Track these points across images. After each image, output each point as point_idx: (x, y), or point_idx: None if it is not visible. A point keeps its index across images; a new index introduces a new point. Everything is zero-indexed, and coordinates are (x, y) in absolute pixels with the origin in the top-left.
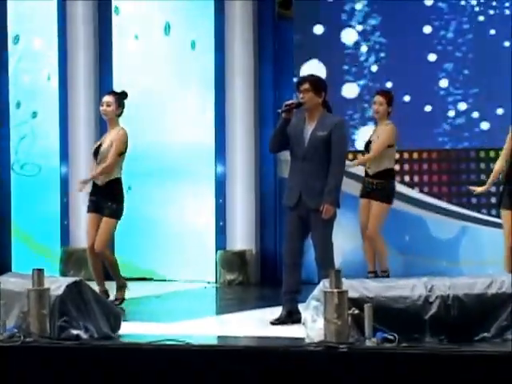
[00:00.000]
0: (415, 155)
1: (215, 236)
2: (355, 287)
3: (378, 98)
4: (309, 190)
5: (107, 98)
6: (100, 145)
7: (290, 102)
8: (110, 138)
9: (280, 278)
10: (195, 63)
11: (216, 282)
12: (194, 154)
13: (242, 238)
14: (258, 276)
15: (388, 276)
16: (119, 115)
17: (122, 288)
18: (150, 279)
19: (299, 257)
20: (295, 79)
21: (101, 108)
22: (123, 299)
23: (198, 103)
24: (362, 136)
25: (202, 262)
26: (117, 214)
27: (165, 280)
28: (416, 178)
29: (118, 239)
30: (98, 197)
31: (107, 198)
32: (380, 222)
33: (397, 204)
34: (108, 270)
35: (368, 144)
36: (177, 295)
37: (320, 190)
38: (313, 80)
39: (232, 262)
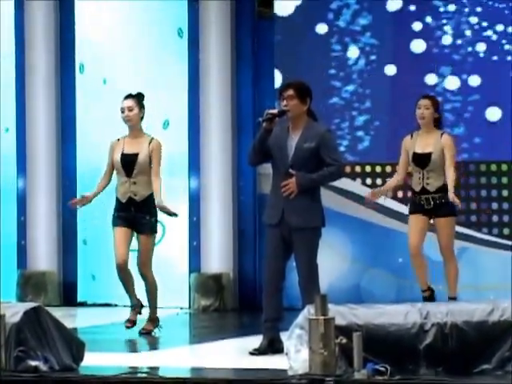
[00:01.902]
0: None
1: (188, 257)
2: (343, 314)
3: (423, 102)
4: (292, 207)
5: (128, 103)
6: (128, 154)
7: (272, 110)
8: (146, 148)
9: (260, 303)
10: (166, 66)
11: (189, 308)
12: (165, 167)
13: (218, 260)
14: (236, 301)
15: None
16: (142, 119)
17: (154, 321)
18: (115, 305)
19: (281, 280)
20: (277, 83)
21: (122, 115)
22: (152, 330)
23: (169, 110)
24: (351, 147)
25: (173, 285)
26: (156, 228)
27: (132, 306)
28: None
29: (80, 261)
30: (133, 212)
31: (146, 212)
32: (453, 238)
33: (389, 222)
34: (147, 294)
35: (422, 157)
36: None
37: (305, 207)
38: (298, 85)
39: (207, 286)
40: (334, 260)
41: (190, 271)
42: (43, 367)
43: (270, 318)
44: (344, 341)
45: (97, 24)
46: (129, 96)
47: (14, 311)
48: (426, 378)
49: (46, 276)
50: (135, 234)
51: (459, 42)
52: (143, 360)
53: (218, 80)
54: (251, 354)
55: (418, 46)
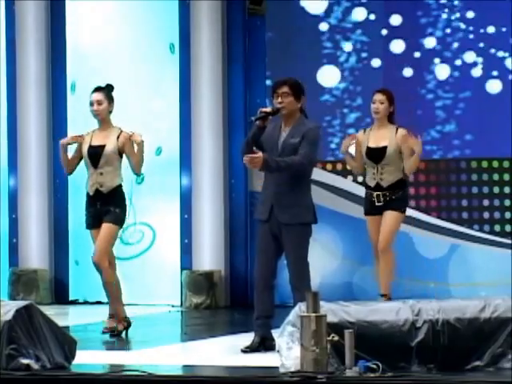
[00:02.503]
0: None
1: (180, 255)
2: (335, 311)
3: (378, 96)
4: (280, 203)
5: (97, 96)
6: (95, 146)
7: (266, 108)
8: (114, 140)
9: (251, 301)
10: (156, 65)
11: (181, 306)
12: (156, 164)
13: (209, 257)
14: (228, 299)
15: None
16: (111, 112)
17: (119, 318)
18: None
19: (272, 277)
20: (268, 82)
21: (91, 108)
22: (119, 330)
23: (160, 108)
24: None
25: (165, 283)
26: (120, 220)
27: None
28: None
29: (70, 259)
30: (98, 208)
31: (110, 204)
32: (395, 234)
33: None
34: (105, 287)
35: (376, 151)
36: (137, 320)
37: (292, 203)
38: (292, 83)
39: (199, 283)
40: (325, 257)
41: (182, 269)
42: (35, 365)
43: (261, 315)
44: (336, 338)
45: (89, 37)
46: (98, 89)
47: (6, 309)
48: (418, 375)
49: (37, 274)
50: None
51: (450, 38)
52: (135, 358)
53: (210, 78)
54: (243, 351)
55: (409, 42)
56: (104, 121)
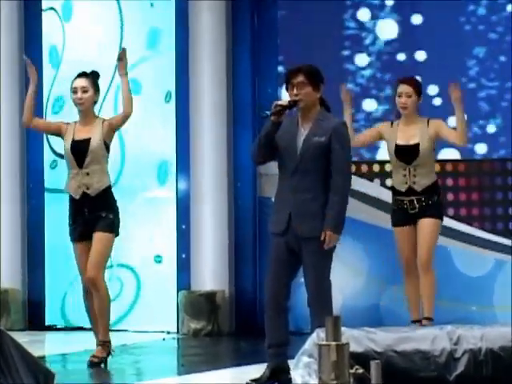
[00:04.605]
0: (436, 167)
1: (176, 272)
2: (358, 339)
3: (404, 88)
4: (301, 213)
5: (82, 82)
6: (79, 141)
7: (282, 101)
8: (99, 132)
9: (261, 326)
10: (151, 49)
11: (177, 333)
12: (149, 167)
13: (211, 276)
14: (233, 324)
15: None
16: (95, 103)
17: (106, 343)
18: (89, 329)
19: (285, 298)
20: (281, 68)
21: (74, 96)
22: (104, 358)
23: (153, 101)
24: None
25: (159, 305)
26: (114, 227)
27: (110, 330)
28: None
29: (48, 277)
30: (86, 215)
31: (101, 208)
32: (435, 245)
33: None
34: (97, 310)
35: (407, 149)
36: (126, 350)
37: (315, 213)
38: (310, 70)
39: (198, 306)
40: (347, 275)
41: (178, 289)
42: None
43: (273, 343)
44: (360, 371)
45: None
46: (82, 74)
47: None
48: None
49: (8, 294)
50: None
51: (495, 17)
52: None
53: (211, 64)
54: None
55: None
56: (87, 112)
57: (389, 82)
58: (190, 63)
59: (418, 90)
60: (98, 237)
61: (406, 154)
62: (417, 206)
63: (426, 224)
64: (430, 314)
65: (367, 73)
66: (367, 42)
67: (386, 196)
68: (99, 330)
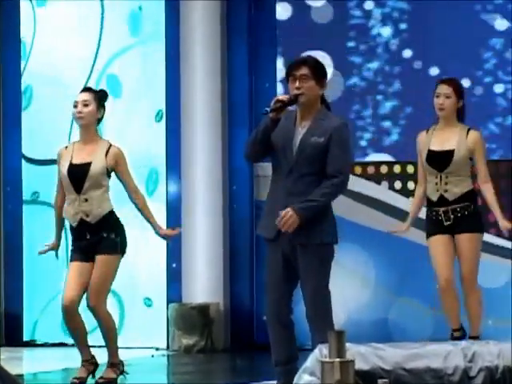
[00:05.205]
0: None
1: (166, 283)
2: (365, 356)
3: (443, 88)
4: None
5: (82, 96)
6: (77, 165)
7: (282, 96)
8: (102, 157)
9: (258, 341)
10: (136, 36)
11: (167, 349)
12: (136, 168)
13: (204, 287)
14: (228, 340)
15: None
16: (99, 121)
17: (116, 365)
18: (71, 345)
19: (289, 310)
20: (280, 61)
21: (74, 110)
22: (114, 379)
23: (140, 95)
24: (375, 141)
25: (147, 320)
26: (117, 247)
27: (93, 346)
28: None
29: (26, 289)
30: (89, 239)
31: (104, 229)
32: (478, 262)
33: (422, 238)
34: (102, 334)
35: (439, 155)
36: None
37: (311, 218)
38: (314, 63)
39: (190, 320)
40: (353, 286)
41: (169, 301)
42: None
43: (280, 360)
44: None
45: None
46: (86, 89)
47: None
48: None
49: None
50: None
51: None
52: None
53: (204, 55)
54: None
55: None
56: (88, 129)
57: (397, 76)
58: (181, 57)
59: (459, 91)
60: (101, 260)
61: (439, 160)
62: (451, 216)
63: (465, 241)
64: (477, 333)
65: (374, 66)
66: (374, 32)
67: (394, 200)
68: (110, 351)
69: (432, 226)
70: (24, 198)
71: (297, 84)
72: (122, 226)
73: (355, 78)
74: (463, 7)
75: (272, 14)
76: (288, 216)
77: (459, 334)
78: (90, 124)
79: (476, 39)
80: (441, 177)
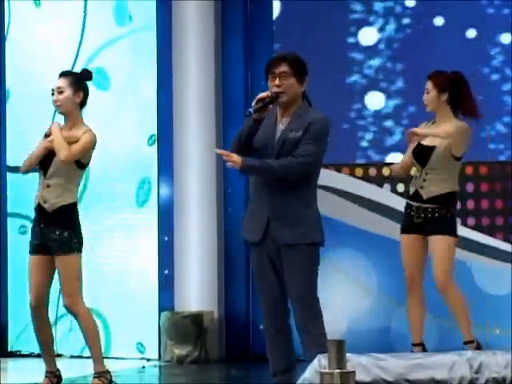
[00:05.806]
0: None
1: (158, 291)
2: (366, 367)
3: (427, 83)
4: (280, 218)
5: (58, 83)
6: (51, 150)
7: (263, 94)
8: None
9: (253, 351)
10: (129, 37)
11: (159, 360)
12: (126, 170)
13: (197, 295)
14: (222, 350)
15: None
16: (81, 105)
17: (102, 374)
18: (58, 355)
19: (285, 316)
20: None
21: (53, 98)
22: None
23: (130, 95)
24: (377, 141)
25: (137, 329)
26: (72, 245)
27: (80, 357)
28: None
29: (11, 297)
30: (42, 228)
31: (54, 225)
32: (451, 263)
33: None
34: (84, 339)
35: (424, 150)
36: None
37: (295, 218)
38: (295, 60)
39: (183, 329)
40: (353, 293)
41: (160, 309)
42: None
43: (278, 370)
44: None
45: None
46: (61, 74)
47: None
48: None
49: None
50: None
51: None
52: None
53: (198, 52)
54: None
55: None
56: (69, 116)
57: (400, 73)
58: (173, 54)
59: (441, 85)
60: (60, 261)
61: (422, 154)
62: (422, 215)
63: (435, 243)
64: (470, 337)
65: (375, 62)
66: (376, 26)
67: (397, 203)
68: (94, 357)
69: (405, 222)
70: (8, 209)
71: (276, 81)
72: (77, 223)
73: (356, 75)
74: (469, 1)
75: (269, 9)
76: (235, 157)
77: (419, 350)
78: (70, 110)
79: (483, 34)
80: (422, 172)
